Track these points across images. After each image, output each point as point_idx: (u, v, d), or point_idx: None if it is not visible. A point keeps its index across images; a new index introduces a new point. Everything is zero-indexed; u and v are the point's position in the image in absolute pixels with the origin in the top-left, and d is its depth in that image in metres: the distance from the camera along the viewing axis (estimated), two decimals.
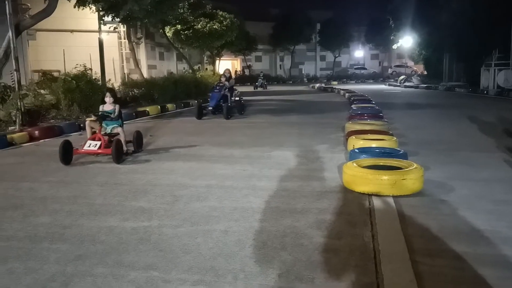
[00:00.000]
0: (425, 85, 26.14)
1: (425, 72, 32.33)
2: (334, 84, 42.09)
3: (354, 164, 4.30)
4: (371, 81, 47.55)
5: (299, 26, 49.78)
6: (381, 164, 4.48)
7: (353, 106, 11.88)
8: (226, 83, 12.02)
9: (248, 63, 56.01)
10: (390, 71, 51.86)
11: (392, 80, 38.36)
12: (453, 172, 4.90)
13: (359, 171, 4.10)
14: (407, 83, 30.61)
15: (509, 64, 18.22)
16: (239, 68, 54.72)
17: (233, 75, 13.81)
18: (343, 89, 23.02)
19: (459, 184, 4.35)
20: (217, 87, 11.96)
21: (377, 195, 3.91)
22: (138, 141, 6.65)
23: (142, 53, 27.55)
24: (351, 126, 7.44)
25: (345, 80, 50.72)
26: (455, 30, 20.85)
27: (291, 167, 5.36)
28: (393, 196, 3.87)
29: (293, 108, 14.80)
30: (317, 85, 33.16)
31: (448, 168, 5.13)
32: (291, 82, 49.69)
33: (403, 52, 40.43)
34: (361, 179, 4.03)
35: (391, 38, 31.96)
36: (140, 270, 2.60)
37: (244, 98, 21.60)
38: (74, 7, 13.05)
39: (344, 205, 3.77)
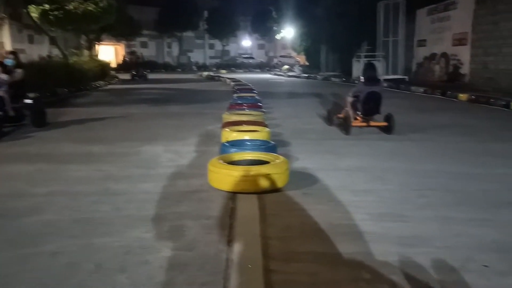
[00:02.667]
0: (306, 75, 27.52)
1: (307, 63, 34.13)
2: (223, 72, 42.13)
3: (220, 161, 4.01)
4: (258, 70, 48.68)
5: (186, 13, 48.63)
6: (249, 158, 4.27)
7: (234, 95, 11.77)
8: (3, 76, 7.28)
9: (132, 49, 53.26)
10: (275, 61, 53.74)
11: (278, 69, 39.80)
12: (320, 162, 4.94)
13: (223, 168, 3.82)
14: (290, 73, 31.93)
15: (376, 56, 19.97)
16: (123, 54, 51.71)
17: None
18: (229, 78, 23.00)
19: (324, 175, 4.36)
20: None
21: (242, 193, 3.68)
22: None
23: (5, 36, 24.09)
24: (228, 117, 7.20)
25: (233, 68, 51.13)
26: (328, 23, 22.17)
27: (158, 165, 4.89)
28: (258, 193, 3.68)
29: (176, 97, 14.20)
30: (205, 73, 32.77)
31: (315, 158, 5.17)
32: (179, 70, 48.46)
33: (286, 42, 42.14)
34: (225, 176, 3.75)
35: (274, 28, 32.94)
36: None
37: (122, 86, 20.23)
38: None
39: (205, 207, 3.46)
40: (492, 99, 10.34)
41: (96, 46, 30.81)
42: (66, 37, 27.10)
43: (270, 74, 36.65)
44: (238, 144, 4.90)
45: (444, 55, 16.63)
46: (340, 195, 3.76)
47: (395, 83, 16.51)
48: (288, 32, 32.10)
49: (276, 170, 3.81)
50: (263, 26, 47.58)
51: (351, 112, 6.97)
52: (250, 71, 45.58)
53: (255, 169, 3.76)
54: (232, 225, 3.04)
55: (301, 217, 3.24)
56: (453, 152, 5.41)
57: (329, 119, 7.84)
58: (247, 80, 22.84)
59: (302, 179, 4.22)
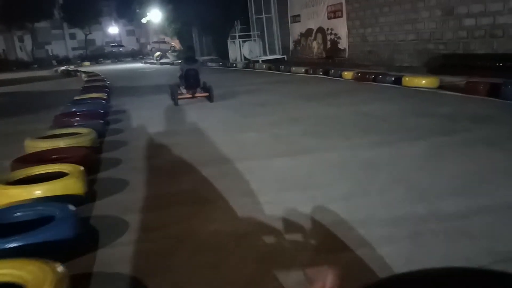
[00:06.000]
0: (179, 61, 24.96)
1: (182, 47, 31.40)
2: (86, 65, 37.45)
3: None
4: (129, 59, 44.54)
5: (34, 0, 41.93)
6: None
7: (75, 98, 8.93)
8: None
9: None
10: (149, 47, 49.96)
11: (151, 57, 36.43)
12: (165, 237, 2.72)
13: None
14: (163, 60, 29.01)
15: (251, 36, 18.34)
16: None
17: None
18: (86, 72, 19.38)
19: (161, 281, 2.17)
20: None
21: None
22: None
23: None
24: (32, 145, 4.56)
25: (101, 59, 46.17)
26: (196, 2, 19.83)
27: None
28: None
29: (1, 107, 10.66)
30: (62, 68, 28.06)
31: (158, 218, 2.94)
32: (36, 66, 41.86)
33: (157, 27, 38.77)
34: None
35: (137, 11, 29.42)
36: None
37: None
38: None
39: None
40: (380, 75, 9.21)
41: None
42: None
43: (142, 63, 33.27)
44: None
45: (320, 30, 15.60)
46: None
47: (275, 64, 15.02)
48: (155, 15, 28.88)
49: None
50: (129, 10, 43.11)
51: (180, 87, 8.25)
52: (120, 61, 41.33)
53: None
54: None
55: None
56: (369, 174, 3.66)
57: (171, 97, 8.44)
58: (111, 72, 19.56)
59: None
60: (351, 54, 13.59)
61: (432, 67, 9.32)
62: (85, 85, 11.95)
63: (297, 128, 5.41)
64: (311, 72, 12.27)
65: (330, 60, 14.48)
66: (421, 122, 5.19)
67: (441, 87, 7.72)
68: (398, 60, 11.26)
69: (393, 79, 8.73)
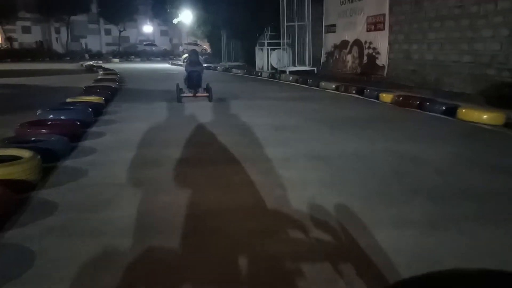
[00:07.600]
0: (206, 65, 23.85)
1: (211, 50, 30.44)
2: (115, 61, 37.15)
3: None
4: (159, 59, 44.10)
5: None
6: None
7: (68, 100, 7.81)
8: None
9: (8, 35, 45.53)
10: (181, 48, 49.56)
11: (180, 58, 35.70)
12: None
13: None
14: None
15: (280, 44, 16.97)
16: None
17: None
18: (104, 69, 18.53)
19: None
20: None
21: None
22: None
23: None
24: None
25: (132, 57, 46.03)
26: (227, 5, 18.62)
27: None
28: None
29: None
30: (87, 63, 27.56)
31: None
32: (68, 58, 42.01)
33: (188, 28, 38.09)
34: None
35: (167, 11, 28.57)
36: None
37: None
38: None
39: None
40: (427, 101, 7.60)
41: None
42: None
43: (169, 63, 32.51)
44: None
45: (357, 42, 14.04)
46: None
47: (302, 77, 13.55)
48: (186, 16, 27.96)
49: None
50: (164, 10, 42.64)
51: (183, 87, 8.96)
52: (149, 60, 40.83)
53: None
54: None
55: None
56: None
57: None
58: (133, 71, 18.61)
59: None
60: (390, 72, 11.97)
61: (491, 97, 7.65)
62: (91, 84, 10.87)
63: (316, 173, 3.94)
64: (343, 89, 10.74)
65: (366, 77, 12.89)
66: (491, 183, 3.62)
67: (507, 125, 6.08)
68: (448, 84, 9.57)
69: (444, 108, 7.11)
